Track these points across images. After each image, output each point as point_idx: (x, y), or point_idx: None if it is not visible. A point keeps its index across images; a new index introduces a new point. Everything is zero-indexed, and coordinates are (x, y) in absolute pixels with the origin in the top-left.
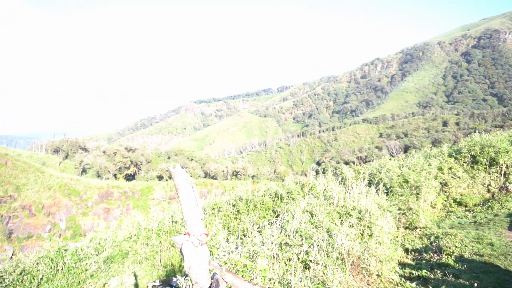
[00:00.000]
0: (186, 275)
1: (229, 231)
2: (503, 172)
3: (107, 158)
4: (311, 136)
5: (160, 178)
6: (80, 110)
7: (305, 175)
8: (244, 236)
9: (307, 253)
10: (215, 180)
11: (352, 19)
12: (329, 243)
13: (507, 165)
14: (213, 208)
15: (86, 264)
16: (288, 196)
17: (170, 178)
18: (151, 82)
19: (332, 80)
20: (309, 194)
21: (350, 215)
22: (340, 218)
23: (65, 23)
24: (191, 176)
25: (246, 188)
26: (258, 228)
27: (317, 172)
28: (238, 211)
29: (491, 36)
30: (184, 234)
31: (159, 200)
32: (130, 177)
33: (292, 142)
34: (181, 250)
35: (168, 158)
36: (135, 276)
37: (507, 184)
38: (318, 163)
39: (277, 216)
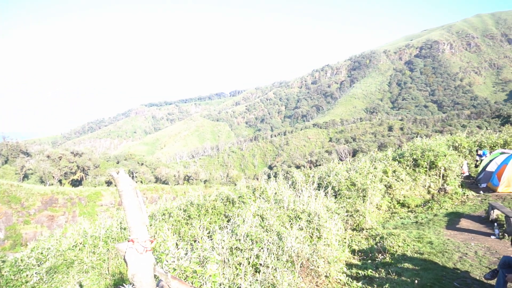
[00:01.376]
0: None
1: (180, 237)
2: (441, 175)
3: (51, 163)
4: (263, 140)
5: (108, 183)
6: (21, 108)
7: (257, 179)
8: (195, 241)
9: (257, 257)
10: (166, 185)
11: (303, 26)
12: (279, 246)
13: (445, 167)
14: (164, 214)
15: (27, 275)
16: (239, 201)
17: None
18: (100, 84)
19: (283, 85)
20: (260, 198)
21: (300, 218)
22: (290, 221)
23: None
24: (141, 181)
25: (197, 193)
26: (208, 233)
27: (269, 176)
28: (189, 216)
29: (431, 46)
30: (128, 241)
31: (107, 207)
32: (76, 183)
33: (245, 146)
34: (124, 257)
35: (117, 162)
36: (81, 286)
37: (445, 185)
38: (270, 167)
39: (228, 221)
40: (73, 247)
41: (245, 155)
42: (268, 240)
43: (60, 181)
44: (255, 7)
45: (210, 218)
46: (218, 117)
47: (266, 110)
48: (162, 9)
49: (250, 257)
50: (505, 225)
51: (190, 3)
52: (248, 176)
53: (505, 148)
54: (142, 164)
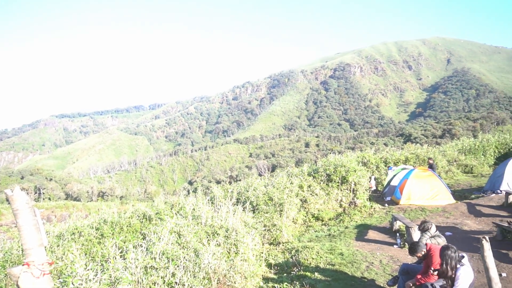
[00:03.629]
0: None
1: (91, 257)
2: (352, 189)
3: None
4: (183, 155)
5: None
6: None
7: (176, 195)
8: (106, 261)
9: (173, 275)
10: (78, 202)
11: (225, 42)
12: (195, 263)
13: (355, 182)
14: (73, 233)
15: None
16: (157, 217)
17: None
18: (1, 91)
19: (205, 100)
20: (178, 215)
21: (217, 234)
22: (208, 237)
23: None
24: (49, 198)
25: (112, 210)
26: (121, 252)
27: (188, 192)
28: (102, 235)
29: (344, 68)
30: (23, 265)
31: (8, 226)
32: None
33: (164, 161)
34: (17, 283)
35: (22, 178)
36: None
37: (355, 199)
38: (190, 183)
39: (143, 238)
40: None
41: (164, 170)
42: (184, 258)
43: None
44: (177, 20)
45: (125, 236)
46: (136, 130)
47: (187, 125)
48: (78, 16)
49: (166, 276)
50: (405, 235)
51: (110, 12)
52: (167, 192)
53: (406, 164)
54: (51, 179)
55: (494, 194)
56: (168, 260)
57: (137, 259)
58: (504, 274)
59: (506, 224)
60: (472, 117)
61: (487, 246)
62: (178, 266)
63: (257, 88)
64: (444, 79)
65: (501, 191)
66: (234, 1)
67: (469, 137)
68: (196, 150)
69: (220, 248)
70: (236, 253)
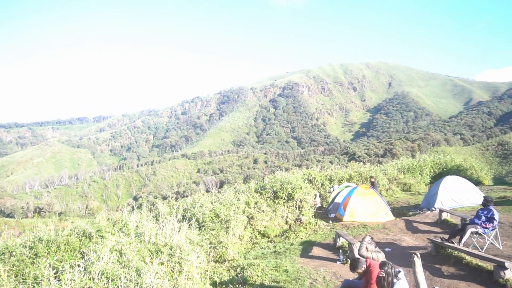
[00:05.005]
0: None
1: (22, 279)
2: (297, 206)
3: None
4: (129, 170)
5: None
6: None
7: (120, 211)
8: (38, 284)
9: None
10: (11, 218)
11: (174, 56)
12: (137, 283)
13: (301, 199)
14: (3, 253)
15: None
16: (98, 235)
17: None
18: None
19: (153, 114)
20: (120, 232)
21: (161, 252)
22: (151, 255)
23: None
24: None
25: (49, 227)
26: (56, 272)
27: (133, 208)
28: (36, 254)
29: (293, 87)
30: None
31: None
32: None
33: (108, 175)
34: None
35: None
36: None
37: (301, 216)
38: (136, 198)
39: (82, 257)
40: None
41: (108, 185)
42: (125, 277)
43: None
44: (124, 31)
45: (62, 256)
46: (79, 143)
47: (133, 138)
48: (13, 17)
49: None
50: (348, 251)
51: (49, 15)
52: (110, 208)
53: (349, 182)
54: None
55: (429, 211)
56: (108, 280)
57: (74, 280)
58: None
59: (439, 240)
60: (411, 138)
61: (418, 262)
62: (118, 287)
63: (207, 104)
64: (386, 101)
65: (435, 208)
66: (183, 16)
67: (408, 157)
68: (142, 165)
69: (164, 267)
70: (180, 271)
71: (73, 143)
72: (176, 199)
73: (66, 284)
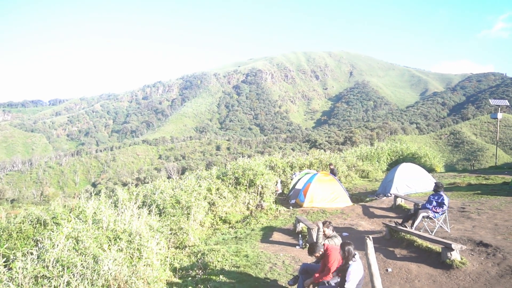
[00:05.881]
0: None
1: None
2: (259, 192)
3: None
4: (87, 155)
5: None
6: None
7: (77, 197)
8: None
9: (68, 284)
10: None
11: (134, 39)
12: (94, 270)
13: (262, 185)
14: None
15: None
16: (53, 222)
17: None
18: None
19: (112, 98)
20: (76, 219)
21: (120, 239)
22: (109, 242)
23: None
24: None
25: None
26: (6, 261)
27: (91, 194)
28: None
29: (256, 74)
30: None
31: None
32: None
33: (65, 161)
34: None
35: None
36: None
37: (262, 202)
38: (94, 185)
39: (36, 245)
40: None
41: (64, 171)
42: (82, 265)
43: None
44: (83, 11)
45: (14, 244)
46: (33, 127)
47: (92, 123)
48: None
49: (59, 285)
50: (307, 236)
51: None
52: (67, 195)
53: (310, 169)
54: None
55: (385, 197)
56: (63, 268)
57: (26, 268)
58: (390, 270)
59: (393, 225)
60: (370, 126)
61: (370, 244)
62: (74, 274)
63: (169, 89)
64: (347, 90)
65: (391, 194)
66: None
67: (367, 145)
68: (101, 151)
69: (122, 254)
70: (139, 258)
71: (26, 127)
72: (137, 185)
73: (18, 272)
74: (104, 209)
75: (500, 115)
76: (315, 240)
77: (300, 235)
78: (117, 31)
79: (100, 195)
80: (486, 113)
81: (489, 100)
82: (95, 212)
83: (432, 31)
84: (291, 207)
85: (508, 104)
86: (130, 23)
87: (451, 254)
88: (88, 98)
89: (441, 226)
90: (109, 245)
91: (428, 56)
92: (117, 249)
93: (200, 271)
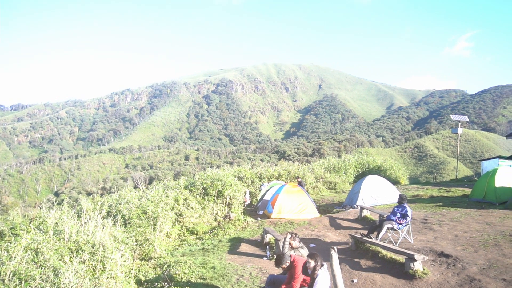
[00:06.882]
0: None
1: None
2: (227, 203)
3: None
4: (50, 163)
5: None
6: None
7: (39, 207)
8: None
9: None
10: None
11: (103, 47)
12: (54, 284)
13: (230, 196)
14: None
15: None
16: (11, 233)
17: None
18: None
19: (79, 104)
20: (36, 229)
21: (82, 250)
22: (71, 254)
23: None
24: None
25: None
26: None
27: (53, 204)
28: None
29: (226, 84)
30: None
31: None
32: None
33: (26, 169)
34: None
35: None
36: None
37: (230, 213)
38: (57, 194)
39: None
40: None
41: (25, 180)
42: (41, 278)
43: None
44: (52, 20)
45: None
46: None
47: (56, 130)
48: None
49: None
50: (274, 247)
51: None
52: (27, 204)
53: (278, 180)
54: None
55: (351, 209)
56: (21, 282)
57: None
58: (355, 280)
59: (359, 236)
60: (338, 139)
61: (335, 255)
62: None
63: (138, 97)
64: (316, 103)
65: (357, 206)
66: (117, 7)
67: (334, 157)
68: (65, 158)
69: (85, 266)
70: (102, 270)
71: None
72: (102, 195)
73: None
74: (67, 220)
75: (460, 130)
76: (282, 252)
77: (267, 246)
78: (85, 36)
79: (62, 205)
80: (447, 128)
81: (451, 115)
82: (56, 223)
83: (399, 47)
84: (259, 218)
85: (468, 120)
86: (98, 29)
87: (414, 265)
88: (52, 104)
89: (404, 237)
90: (71, 257)
91: (394, 71)
92: (79, 261)
93: (166, 283)
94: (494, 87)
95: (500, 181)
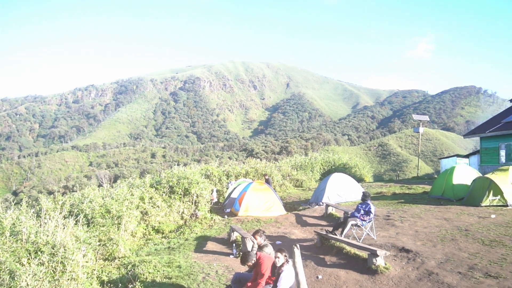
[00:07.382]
0: None
1: None
2: (194, 201)
3: None
4: (7, 161)
5: None
6: None
7: None
8: None
9: None
10: None
11: (65, 40)
12: (10, 287)
13: (197, 194)
14: None
15: None
16: None
17: None
18: None
19: (39, 100)
20: None
21: (42, 252)
22: (29, 256)
23: None
24: None
25: None
26: None
27: (11, 204)
28: None
29: (194, 82)
30: None
31: None
32: None
33: None
34: None
35: None
36: None
37: (197, 211)
38: (15, 193)
39: None
40: None
41: None
42: None
43: None
44: (12, 5)
45: None
46: None
47: (15, 127)
48: None
49: None
50: (241, 245)
51: None
52: None
53: (246, 178)
54: None
55: (317, 206)
56: None
57: None
58: (320, 277)
59: (324, 233)
60: (305, 137)
61: (297, 253)
62: None
63: (102, 93)
64: (283, 101)
65: (323, 203)
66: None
67: (301, 155)
68: (24, 156)
69: (44, 268)
70: (63, 271)
71: None
72: (64, 194)
73: None
74: (25, 220)
75: (421, 129)
76: (248, 249)
77: (234, 244)
78: (46, 29)
79: (21, 205)
80: (410, 127)
81: (413, 115)
82: (14, 223)
83: (363, 47)
84: (226, 216)
85: (429, 119)
86: (61, 21)
87: (376, 260)
88: (11, 100)
89: (368, 234)
90: (29, 259)
91: (359, 71)
92: (37, 263)
93: (130, 283)
94: (453, 88)
95: (458, 178)
